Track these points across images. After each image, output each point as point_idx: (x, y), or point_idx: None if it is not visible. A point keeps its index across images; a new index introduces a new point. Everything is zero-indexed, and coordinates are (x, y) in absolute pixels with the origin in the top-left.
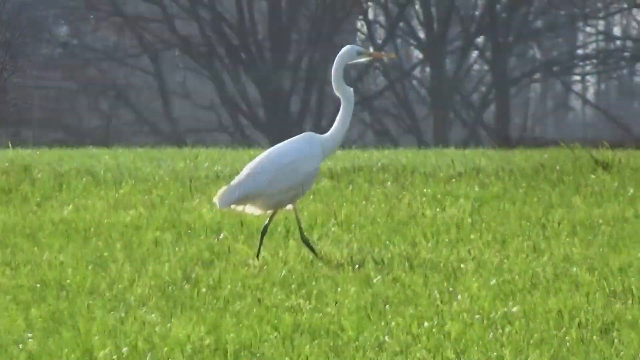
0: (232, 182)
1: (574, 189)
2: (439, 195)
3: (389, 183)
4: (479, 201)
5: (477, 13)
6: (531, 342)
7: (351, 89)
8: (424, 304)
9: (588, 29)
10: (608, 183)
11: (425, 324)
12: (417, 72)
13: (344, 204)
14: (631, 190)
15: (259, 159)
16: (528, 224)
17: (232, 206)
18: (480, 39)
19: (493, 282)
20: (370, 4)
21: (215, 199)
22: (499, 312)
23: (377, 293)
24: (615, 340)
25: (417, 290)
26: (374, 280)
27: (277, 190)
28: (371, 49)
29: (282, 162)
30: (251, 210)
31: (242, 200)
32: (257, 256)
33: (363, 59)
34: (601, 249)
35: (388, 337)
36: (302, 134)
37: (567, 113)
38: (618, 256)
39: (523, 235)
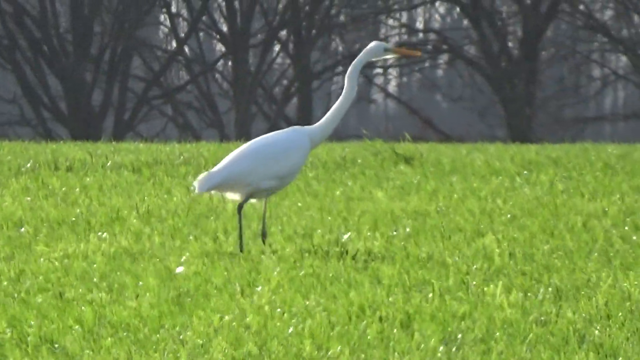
0: (213, 169)
1: (376, 183)
2: None
3: (190, 177)
4: (280, 194)
5: (280, 6)
6: (332, 335)
7: (357, 87)
8: (225, 297)
9: (391, 21)
10: (410, 176)
11: (226, 317)
12: (219, 65)
13: (146, 197)
14: (433, 184)
15: (242, 148)
16: (329, 217)
17: (212, 192)
18: (283, 33)
19: (294, 275)
20: None
21: (195, 183)
22: (300, 306)
23: (178, 286)
24: (416, 334)
25: (218, 284)
26: (176, 274)
27: (256, 180)
28: (174, 43)
29: (265, 153)
30: (230, 196)
31: (221, 186)
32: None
33: (389, 56)
34: (402, 243)
35: (189, 331)
36: (289, 128)
37: (369, 106)
38: (419, 249)
39: (325, 229)
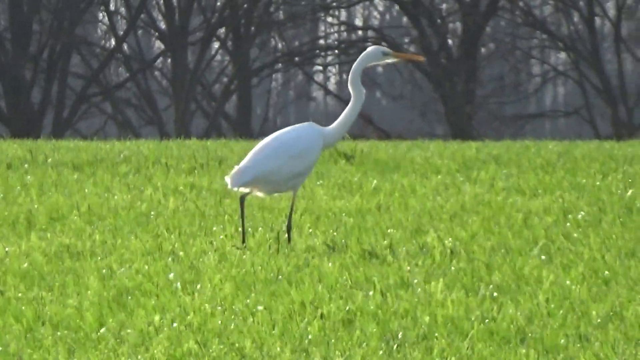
0: (242, 165)
1: (317, 180)
2: (181, 187)
3: (131, 175)
4: (221, 193)
5: (218, 4)
6: (273, 334)
7: (364, 90)
8: (166, 295)
9: (330, 19)
10: (351, 174)
11: (167, 315)
12: (158, 63)
13: (86, 196)
14: (374, 182)
15: (266, 144)
16: (270, 215)
17: (241, 188)
18: (221, 30)
19: (235, 273)
20: None
21: (227, 178)
22: (241, 303)
23: (119, 284)
24: (357, 332)
25: (159, 282)
26: (116, 272)
27: (283, 177)
28: (113, 41)
29: (291, 151)
30: (255, 193)
31: (252, 182)
32: (242, 239)
33: (389, 60)
34: (344, 240)
35: (130, 329)
36: (305, 124)
37: (308, 103)
38: (360, 247)
39: (265, 227)
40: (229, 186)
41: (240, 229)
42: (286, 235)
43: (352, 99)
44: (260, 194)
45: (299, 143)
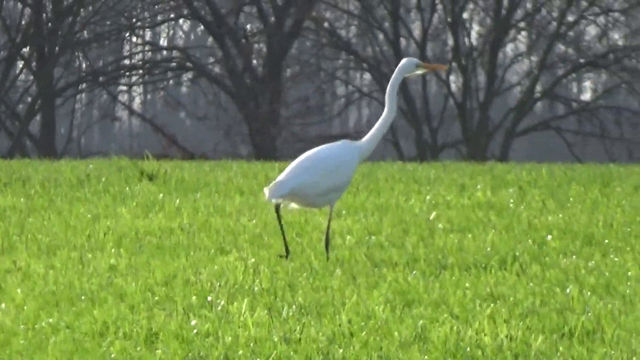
0: (280, 178)
1: (120, 200)
2: None
3: None
4: (24, 212)
5: (22, 22)
6: (75, 353)
7: (396, 104)
8: None
9: (134, 39)
10: (154, 194)
11: None
12: None
13: None
14: (177, 201)
15: (304, 159)
16: (74, 235)
17: (279, 200)
18: (26, 49)
19: (38, 292)
20: None
21: (265, 190)
22: (45, 323)
23: None
24: (159, 351)
25: None
26: None
27: (321, 190)
28: None
29: (327, 166)
30: (291, 205)
31: (289, 195)
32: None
33: (419, 72)
34: (146, 260)
35: None
36: (340, 141)
37: (113, 123)
38: (163, 266)
39: (69, 246)
40: (267, 198)
41: (284, 243)
42: (325, 249)
43: (385, 111)
44: (296, 206)
45: (335, 158)
